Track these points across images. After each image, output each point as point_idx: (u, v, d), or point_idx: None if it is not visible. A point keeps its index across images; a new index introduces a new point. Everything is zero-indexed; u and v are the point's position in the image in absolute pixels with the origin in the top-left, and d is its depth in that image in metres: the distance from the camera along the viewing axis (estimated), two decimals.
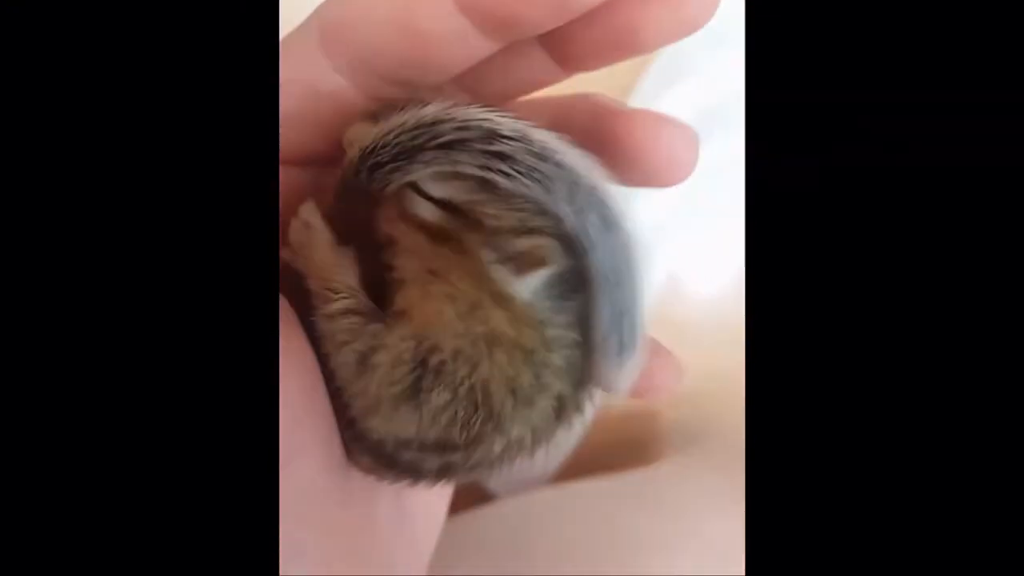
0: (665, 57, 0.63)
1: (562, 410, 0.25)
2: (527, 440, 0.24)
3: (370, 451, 0.26)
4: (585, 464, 0.56)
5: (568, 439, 0.25)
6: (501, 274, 0.23)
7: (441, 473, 0.26)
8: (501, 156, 0.21)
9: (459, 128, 0.22)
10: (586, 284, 0.23)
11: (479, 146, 0.21)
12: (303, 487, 0.23)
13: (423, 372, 0.23)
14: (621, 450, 0.60)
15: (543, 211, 0.22)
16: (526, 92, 0.28)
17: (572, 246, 0.22)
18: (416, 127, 0.22)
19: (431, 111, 0.22)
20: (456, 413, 0.23)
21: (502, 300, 0.23)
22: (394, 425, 0.24)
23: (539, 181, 0.21)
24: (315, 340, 0.25)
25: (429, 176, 0.23)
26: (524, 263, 0.23)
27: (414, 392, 0.23)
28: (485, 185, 0.22)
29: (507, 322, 0.23)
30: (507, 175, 0.21)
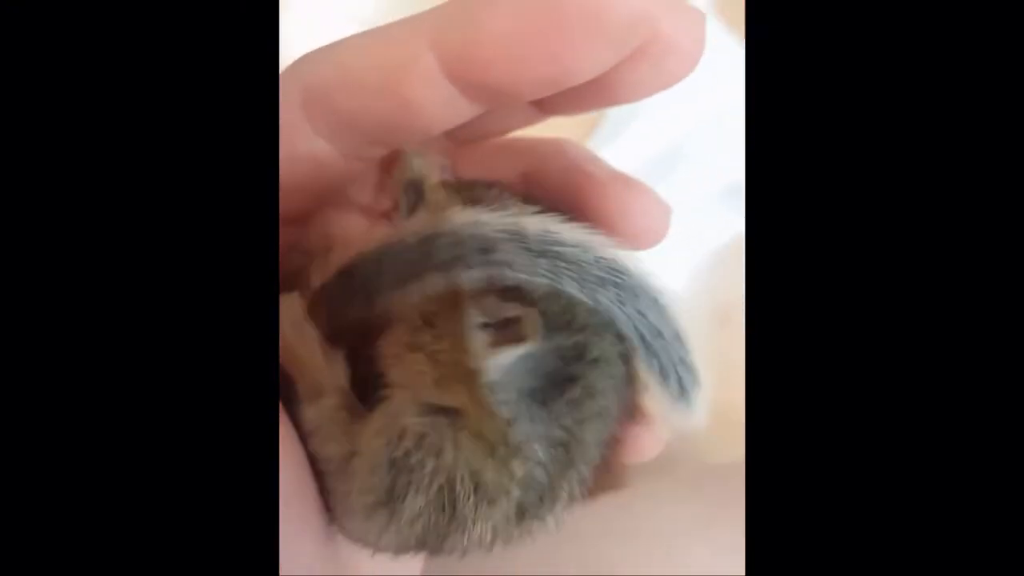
0: None
1: (522, 517, 0.24)
2: (487, 538, 0.24)
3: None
4: None
5: (529, 537, 0.26)
6: (478, 343, 0.23)
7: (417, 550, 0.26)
8: (501, 263, 0.21)
9: (453, 244, 0.22)
10: (568, 387, 0.23)
11: (478, 259, 0.21)
12: (303, 565, 0.24)
13: (396, 475, 0.23)
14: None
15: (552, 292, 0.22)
16: (502, 134, 0.28)
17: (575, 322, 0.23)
18: (407, 248, 0.22)
19: (419, 228, 0.22)
20: (428, 518, 0.24)
21: (470, 375, 0.23)
22: (370, 529, 0.25)
23: (543, 275, 0.21)
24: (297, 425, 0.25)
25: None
26: (505, 334, 0.22)
27: (388, 500, 0.24)
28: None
29: (471, 403, 0.23)
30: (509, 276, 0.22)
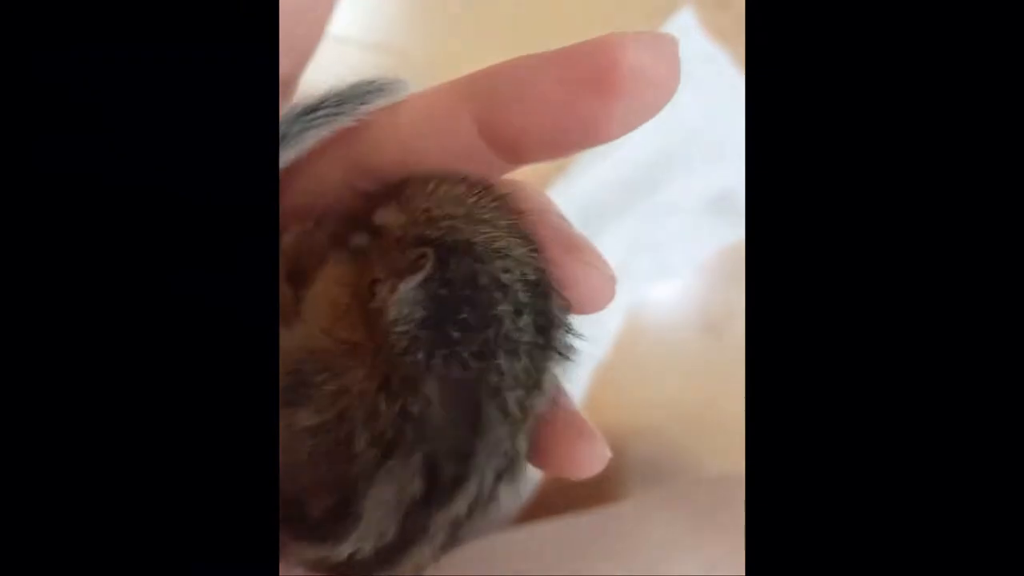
0: None
1: (434, 476, 0.22)
2: (388, 498, 0.23)
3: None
4: (549, 502, 0.56)
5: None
6: (383, 290, 0.22)
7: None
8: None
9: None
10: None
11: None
12: None
13: (298, 383, 0.23)
14: (584, 488, 0.60)
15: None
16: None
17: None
18: None
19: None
20: (322, 444, 0.22)
21: (370, 313, 0.22)
22: None
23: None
24: None
25: None
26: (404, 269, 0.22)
27: (286, 403, 0.23)
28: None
29: (367, 335, 0.23)
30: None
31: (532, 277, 0.22)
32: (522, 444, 0.23)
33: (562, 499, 0.57)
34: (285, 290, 0.25)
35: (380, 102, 0.24)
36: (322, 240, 0.25)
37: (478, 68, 0.23)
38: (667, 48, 0.21)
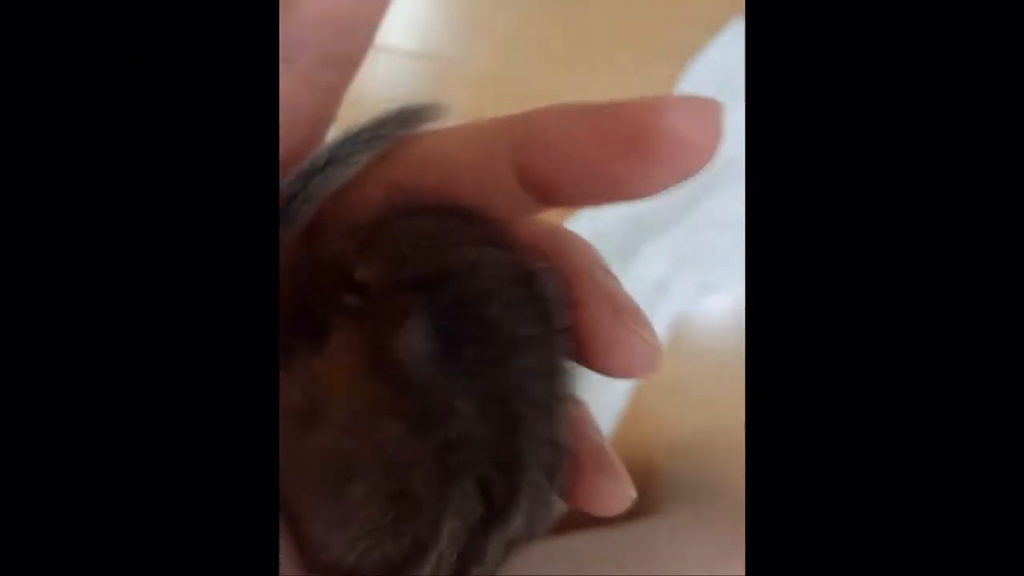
0: None
1: (488, 492, 0.23)
2: (457, 529, 0.23)
3: None
4: (580, 515, 0.55)
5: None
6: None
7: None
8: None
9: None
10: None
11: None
12: None
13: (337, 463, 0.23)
14: None
15: None
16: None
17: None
18: None
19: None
20: (380, 504, 0.23)
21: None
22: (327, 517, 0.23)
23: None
24: None
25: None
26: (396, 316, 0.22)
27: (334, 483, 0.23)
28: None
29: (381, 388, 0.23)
30: None
31: (516, 274, 0.22)
32: (563, 434, 0.23)
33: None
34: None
35: (423, 127, 0.25)
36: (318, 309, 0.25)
37: (522, 78, 0.23)
38: (710, 114, 0.21)
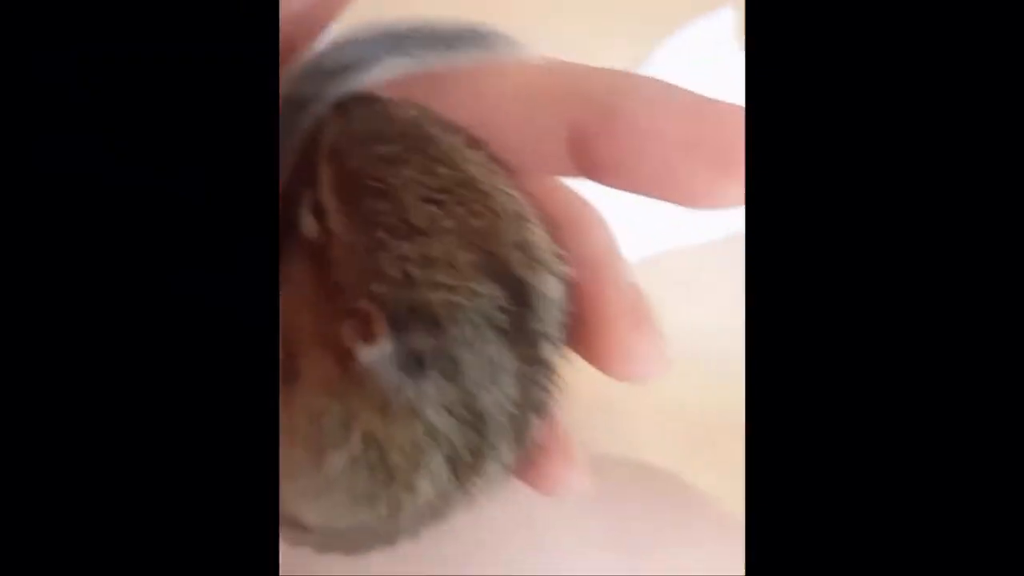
0: None
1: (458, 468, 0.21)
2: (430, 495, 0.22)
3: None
4: None
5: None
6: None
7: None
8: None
9: None
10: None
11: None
12: None
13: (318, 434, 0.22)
14: None
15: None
16: None
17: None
18: None
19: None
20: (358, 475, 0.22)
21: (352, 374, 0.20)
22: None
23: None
24: None
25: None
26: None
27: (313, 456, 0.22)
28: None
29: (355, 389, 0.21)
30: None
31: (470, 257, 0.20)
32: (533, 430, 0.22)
33: None
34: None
35: (475, 54, 0.23)
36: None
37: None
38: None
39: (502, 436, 0.21)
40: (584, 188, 0.23)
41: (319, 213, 0.21)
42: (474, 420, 0.21)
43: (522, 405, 0.21)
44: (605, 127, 0.21)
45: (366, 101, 0.21)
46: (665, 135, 0.20)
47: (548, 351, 0.21)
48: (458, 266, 0.19)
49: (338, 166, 0.20)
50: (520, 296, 0.20)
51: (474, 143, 0.21)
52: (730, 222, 0.56)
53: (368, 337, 0.19)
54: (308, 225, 0.21)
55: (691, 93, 0.20)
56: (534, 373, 0.21)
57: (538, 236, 0.21)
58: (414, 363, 0.19)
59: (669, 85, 0.21)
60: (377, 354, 0.19)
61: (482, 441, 0.21)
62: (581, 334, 0.22)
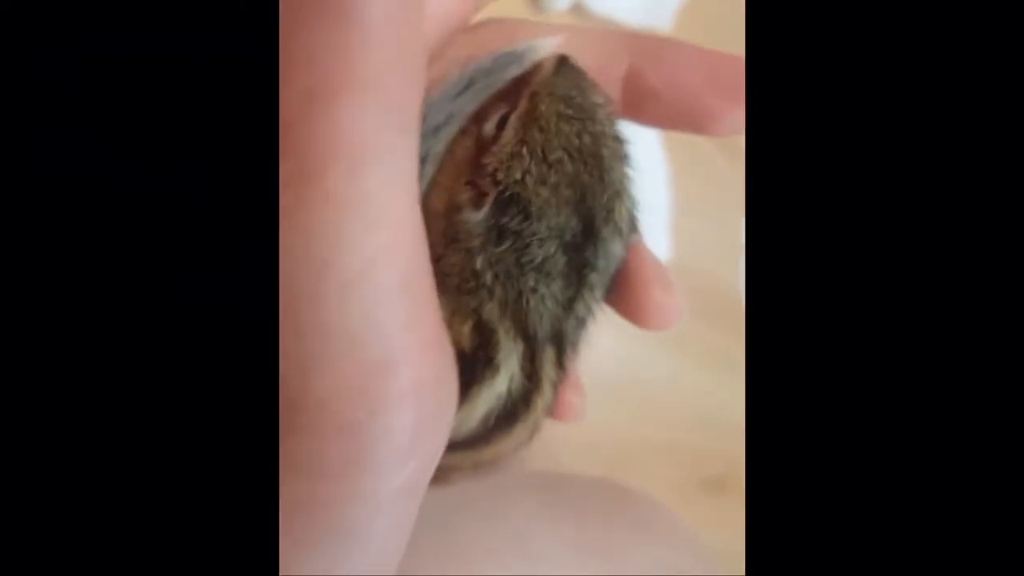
0: None
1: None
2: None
3: None
4: None
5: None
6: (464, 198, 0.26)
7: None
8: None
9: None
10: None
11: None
12: None
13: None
14: None
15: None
16: None
17: None
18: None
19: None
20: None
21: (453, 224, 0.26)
22: None
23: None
24: None
25: None
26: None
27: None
28: None
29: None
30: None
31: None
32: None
33: None
34: None
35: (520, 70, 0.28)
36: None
37: None
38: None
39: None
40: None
41: (502, 123, 0.27)
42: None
43: (562, 317, 0.27)
44: (654, 68, 0.27)
45: (575, 70, 0.27)
46: (695, 74, 0.27)
47: (595, 287, 0.27)
48: (559, 194, 0.26)
49: (533, 103, 0.26)
50: (590, 238, 0.26)
51: (612, 115, 0.28)
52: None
53: (478, 203, 0.26)
54: (489, 127, 0.27)
55: (706, 48, 0.27)
56: (579, 295, 0.27)
57: (624, 211, 0.27)
58: (496, 234, 0.26)
59: (688, 43, 0.28)
60: (478, 217, 0.26)
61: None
62: (623, 293, 0.28)
